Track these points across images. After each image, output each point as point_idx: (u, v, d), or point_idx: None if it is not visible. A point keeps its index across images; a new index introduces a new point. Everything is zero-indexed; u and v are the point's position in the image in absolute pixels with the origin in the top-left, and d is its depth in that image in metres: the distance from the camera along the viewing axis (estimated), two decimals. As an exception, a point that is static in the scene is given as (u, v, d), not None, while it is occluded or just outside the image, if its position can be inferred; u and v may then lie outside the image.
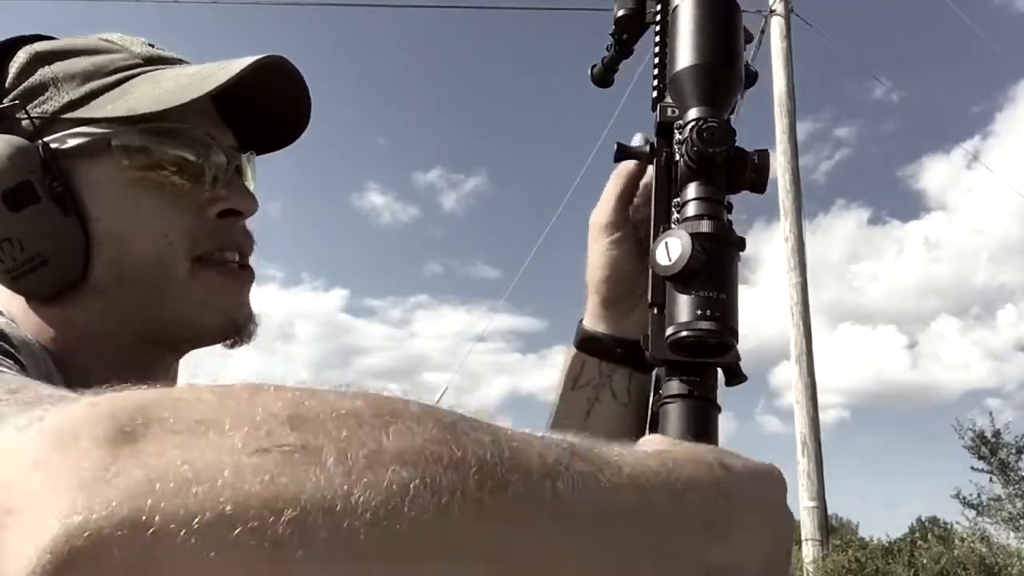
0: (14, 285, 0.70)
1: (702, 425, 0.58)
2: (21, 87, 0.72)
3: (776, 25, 10.90)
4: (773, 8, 10.92)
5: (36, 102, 0.71)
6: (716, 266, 0.58)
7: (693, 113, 0.63)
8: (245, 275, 0.75)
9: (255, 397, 0.35)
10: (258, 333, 0.76)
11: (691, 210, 0.61)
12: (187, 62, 0.77)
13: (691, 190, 0.62)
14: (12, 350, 0.58)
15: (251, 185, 0.79)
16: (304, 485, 0.32)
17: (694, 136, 0.60)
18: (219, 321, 0.73)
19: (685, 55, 0.65)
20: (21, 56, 0.74)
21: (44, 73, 0.72)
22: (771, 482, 0.50)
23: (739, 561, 0.45)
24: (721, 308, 0.57)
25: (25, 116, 0.70)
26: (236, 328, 0.74)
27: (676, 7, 0.67)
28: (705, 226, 0.59)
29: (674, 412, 0.58)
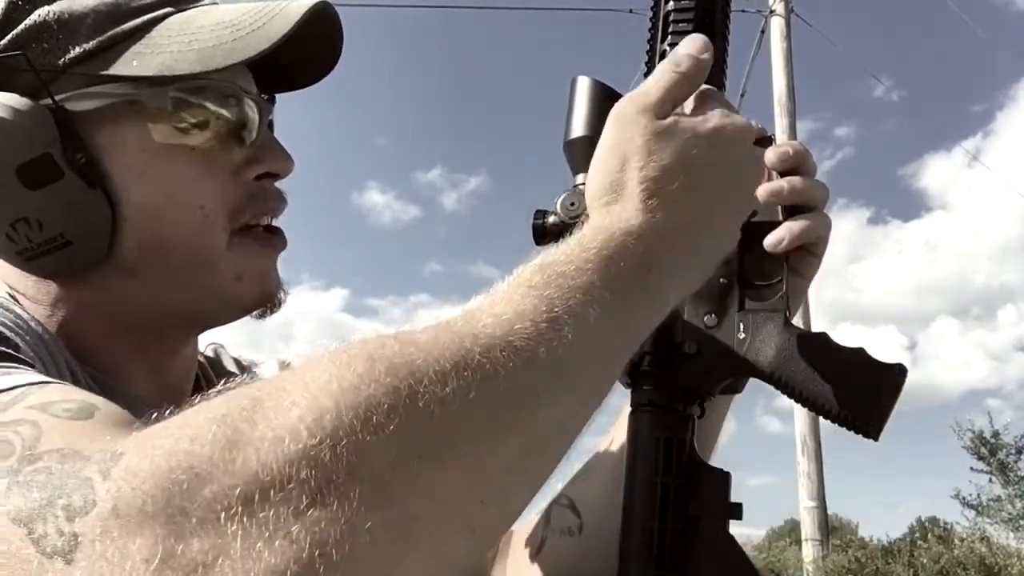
0: (28, 266, 0.62)
1: None
2: (16, 30, 0.61)
3: (776, 25, 10.90)
4: (773, 8, 10.92)
5: (36, 50, 0.60)
6: None
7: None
8: (277, 239, 0.68)
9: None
10: (287, 301, 0.69)
11: None
12: None
13: None
14: (16, 353, 0.51)
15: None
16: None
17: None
18: (253, 295, 0.67)
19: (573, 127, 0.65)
20: None
21: (42, 13, 0.61)
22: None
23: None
24: None
25: (28, 68, 0.59)
26: (268, 299, 0.68)
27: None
28: None
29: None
